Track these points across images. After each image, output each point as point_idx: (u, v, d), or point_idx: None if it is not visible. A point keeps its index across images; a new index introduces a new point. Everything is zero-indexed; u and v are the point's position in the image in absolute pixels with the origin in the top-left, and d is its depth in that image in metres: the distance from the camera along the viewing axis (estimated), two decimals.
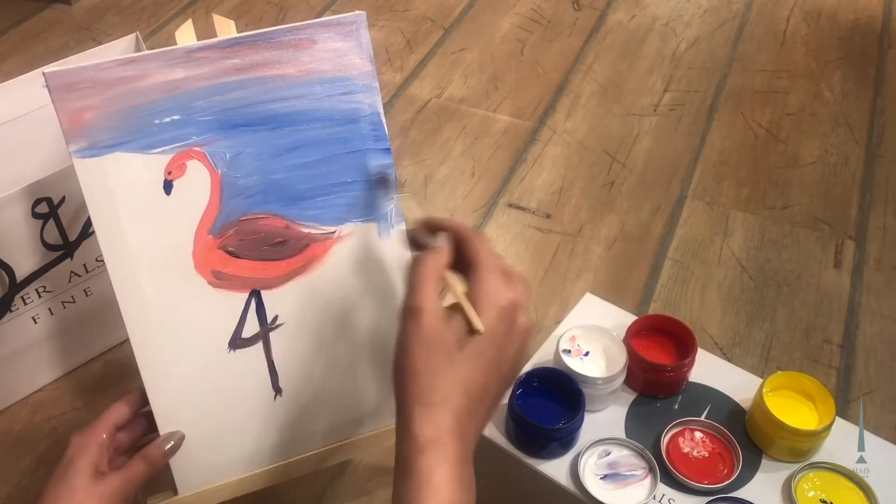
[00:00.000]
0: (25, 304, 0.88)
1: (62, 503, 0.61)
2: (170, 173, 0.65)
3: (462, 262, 0.57)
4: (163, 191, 0.65)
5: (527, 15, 1.60)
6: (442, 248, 0.57)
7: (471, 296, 0.54)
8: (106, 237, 0.64)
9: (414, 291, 0.54)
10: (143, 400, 0.69)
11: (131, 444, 0.69)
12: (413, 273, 0.55)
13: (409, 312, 0.53)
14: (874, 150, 1.29)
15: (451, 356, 0.52)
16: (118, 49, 0.97)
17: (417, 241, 0.62)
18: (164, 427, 0.67)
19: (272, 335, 0.70)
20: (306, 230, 0.69)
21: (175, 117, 0.64)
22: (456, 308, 0.54)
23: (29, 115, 0.96)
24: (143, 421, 0.69)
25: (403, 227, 0.72)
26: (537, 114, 1.36)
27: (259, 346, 0.70)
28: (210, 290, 0.67)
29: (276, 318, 0.70)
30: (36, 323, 0.90)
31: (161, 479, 0.70)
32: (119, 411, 0.68)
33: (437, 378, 0.52)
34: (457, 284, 0.56)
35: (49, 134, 0.90)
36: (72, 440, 0.65)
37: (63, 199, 0.84)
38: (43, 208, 0.83)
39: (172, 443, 0.67)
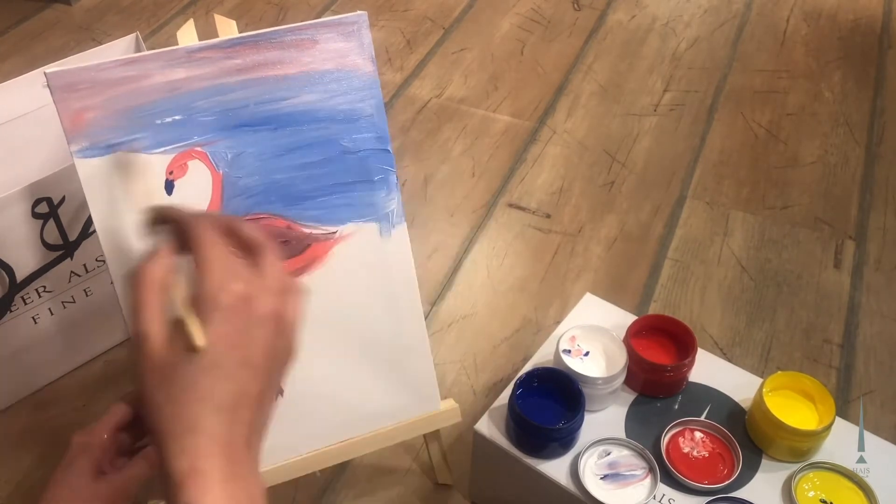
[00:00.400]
0: (25, 304, 0.88)
1: (64, 503, 0.61)
2: (171, 173, 0.65)
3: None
4: (164, 191, 0.65)
5: (527, 15, 1.60)
6: (160, 252, 0.50)
7: (192, 299, 0.48)
8: (107, 237, 0.64)
9: (134, 314, 0.48)
10: None
11: (133, 445, 0.69)
12: (132, 292, 0.48)
13: (134, 340, 0.48)
14: (874, 150, 1.29)
15: (186, 378, 0.46)
16: (118, 49, 0.97)
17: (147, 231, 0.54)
18: None
19: None
20: (308, 230, 0.69)
21: (176, 117, 0.64)
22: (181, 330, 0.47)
23: (29, 115, 0.96)
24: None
25: (405, 227, 0.72)
26: (537, 114, 1.36)
27: None
28: None
29: None
30: (36, 323, 0.90)
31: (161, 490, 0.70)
32: (120, 412, 0.68)
33: (178, 406, 0.47)
34: (178, 290, 0.49)
35: (49, 134, 0.90)
36: (72, 441, 0.65)
37: (63, 199, 0.84)
38: (43, 208, 0.83)
39: None
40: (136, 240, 0.64)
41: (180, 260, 0.50)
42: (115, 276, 0.64)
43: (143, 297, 0.48)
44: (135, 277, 0.49)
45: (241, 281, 0.48)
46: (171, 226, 0.51)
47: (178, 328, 0.47)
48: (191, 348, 0.46)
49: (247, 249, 0.51)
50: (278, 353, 0.51)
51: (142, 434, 0.68)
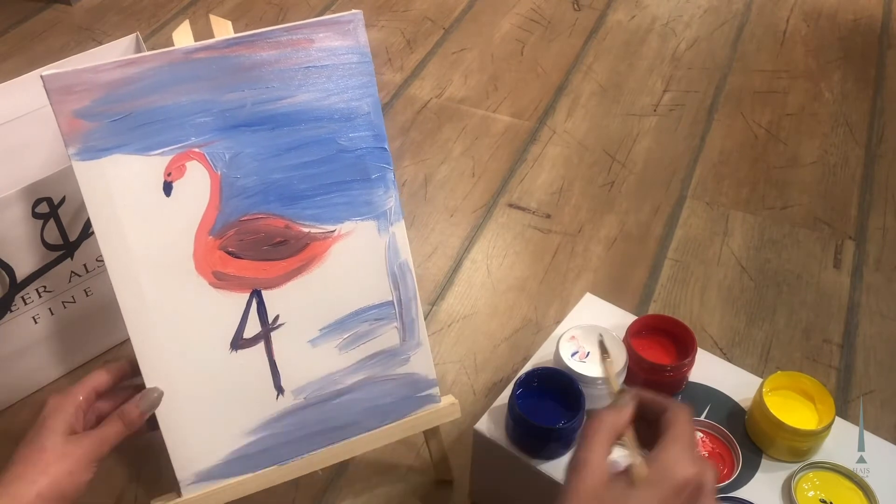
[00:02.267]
0: (26, 304, 0.88)
1: (31, 463, 0.61)
2: (169, 174, 0.65)
3: (657, 427, 0.56)
4: (162, 192, 0.65)
5: (527, 15, 1.60)
6: (623, 407, 0.56)
7: (649, 462, 0.52)
8: (106, 239, 0.64)
9: (582, 444, 0.54)
10: (130, 370, 0.68)
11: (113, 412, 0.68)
12: (587, 426, 0.55)
13: (574, 464, 0.53)
14: (874, 150, 1.29)
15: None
16: (118, 49, 0.97)
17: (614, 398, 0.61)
18: (165, 427, 0.67)
19: (273, 335, 0.70)
20: (306, 229, 0.69)
21: (173, 119, 0.64)
22: (626, 471, 0.53)
23: (29, 115, 0.96)
24: (130, 391, 0.68)
25: (403, 225, 0.72)
26: (537, 114, 1.36)
27: (261, 345, 0.70)
28: (211, 290, 0.67)
29: (277, 317, 0.70)
30: (36, 323, 0.90)
31: (164, 481, 0.70)
32: (100, 376, 0.67)
33: None
34: (633, 443, 0.55)
35: (49, 134, 0.90)
36: (48, 401, 0.64)
37: (63, 199, 0.84)
38: (43, 208, 0.83)
39: (150, 400, 0.66)
40: (135, 242, 0.64)
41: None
42: (115, 279, 0.64)
43: (596, 431, 0.54)
44: (595, 416, 0.55)
45: (698, 468, 0.52)
46: (642, 398, 0.57)
47: (622, 474, 0.52)
48: (631, 478, 0.51)
49: (696, 452, 0.55)
50: None
51: (121, 402, 0.67)
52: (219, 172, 0.66)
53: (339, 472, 0.87)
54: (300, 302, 0.70)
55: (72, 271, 0.90)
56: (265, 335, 0.70)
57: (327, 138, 0.69)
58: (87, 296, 0.93)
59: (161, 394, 0.66)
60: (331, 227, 0.70)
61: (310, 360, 0.71)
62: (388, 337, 0.73)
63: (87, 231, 0.88)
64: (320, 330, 0.71)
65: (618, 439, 0.55)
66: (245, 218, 0.68)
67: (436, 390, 0.76)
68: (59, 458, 0.61)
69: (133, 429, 0.66)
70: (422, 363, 0.75)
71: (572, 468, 0.53)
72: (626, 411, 0.56)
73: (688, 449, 0.53)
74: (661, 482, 0.51)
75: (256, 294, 0.69)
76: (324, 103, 0.68)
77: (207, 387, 0.68)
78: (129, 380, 0.69)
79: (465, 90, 1.40)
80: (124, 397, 0.67)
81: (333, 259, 0.71)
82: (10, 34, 1.55)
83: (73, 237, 0.87)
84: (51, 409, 0.64)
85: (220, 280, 0.68)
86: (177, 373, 0.67)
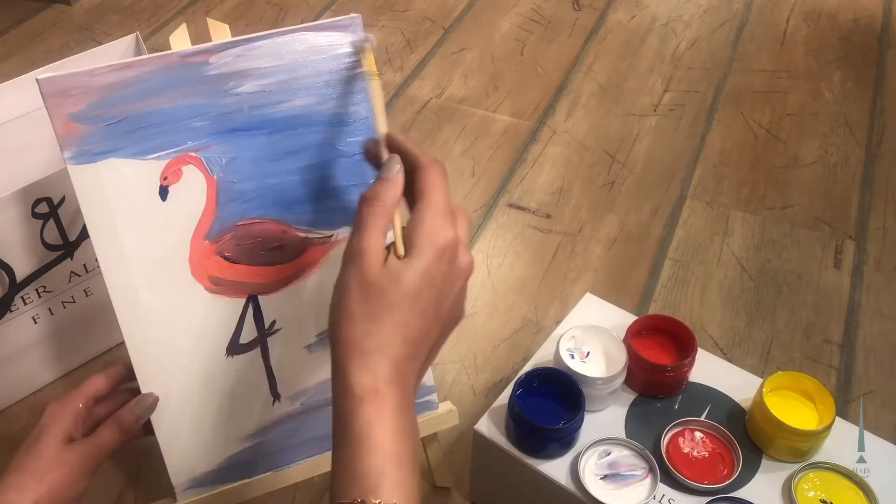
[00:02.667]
0: (25, 304, 0.88)
1: (28, 471, 0.61)
2: (165, 179, 0.64)
3: (412, 190, 0.54)
4: (158, 197, 0.64)
5: (527, 15, 1.60)
6: (393, 180, 0.54)
7: (408, 232, 0.52)
8: (102, 244, 0.63)
9: (358, 233, 0.51)
10: (127, 374, 0.68)
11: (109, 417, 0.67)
12: (360, 212, 0.52)
13: (351, 255, 0.51)
14: (874, 150, 1.29)
15: (389, 301, 0.50)
16: (118, 49, 0.97)
17: (373, 156, 0.59)
18: (161, 433, 0.67)
19: (270, 340, 0.70)
20: (303, 234, 0.69)
21: (170, 122, 0.64)
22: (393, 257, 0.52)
23: (29, 115, 0.96)
24: (126, 395, 0.68)
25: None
26: (537, 114, 1.36)
27: (257, 351, 0.69)
28: (207, 296, 0.67)
29: (273, 323, 0.69)
30: (36, 323, 0.90)
31: (160, 487, 0.70)
32: (98, 382, 0.67)
33: (374, 324, 0.49)
34: (397, 219, 0.54)
35: (49, 134, 0.89)
36: (46, 409, 0.64)
37: (63, 199, 0.84)
38: (43, 208, 0.83)
39: (146, 405, 0.66)
40: (131, 246, 0.64)
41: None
42: (110, 283, 0.64)
43: (370, 217, 0.52)
44: (365, 200, 0.52)
45: (453, 229, 0.52)
46: (403, 157, 0.55)
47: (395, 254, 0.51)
48: (395, 254, 0.51)
49: (449, 213, 0.54)
50: (457, 308, 0.54)
51: (118, 408, 0.67)
52: (215, 177, 0.66)
53: None
54: (297, 307, 0.70)
55: (71, 271, 0.90)
56: (261, 341, 0.69)
57: (325, 143, 0.68)
58: (87, 296, 0.93)
59: (156, 399, 0.66)
60: (328, 233, 0.70)
61: (306, 366, 0.71)
62: None
63: (86, 231, 0.88)
64: (317, 335, 0.71)
65: (391, 214, 0.53)
66: (242, 223, 0.67)
67: (434, 397, 0.76)
68: (56, 465, 0.61)
69: (129, 434, 0.65)
70: None
71: (348, 259, 0.51)
72: (397, 186, 0.54)
73: (441, 213, 0.52)
74: (423, 253, 0.51)
75: (253, 299, 0.68)
76: (322, 107, 0.68)
77: (203, 392, 0.68)
78: (126, 383, 0.69)
79: (465, 90, 1.40)
80: (121, 401, 0.67)
81: (331, 264, 0.70)
82: (9, 34, 1.55)
83: (72, 237, 0.87)
84: (49, 417, 0.64)
85: (217, 285, 0.67)
86: (172, 378, 0.67)
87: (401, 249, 0.52)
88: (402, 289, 0.50)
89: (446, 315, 0.53)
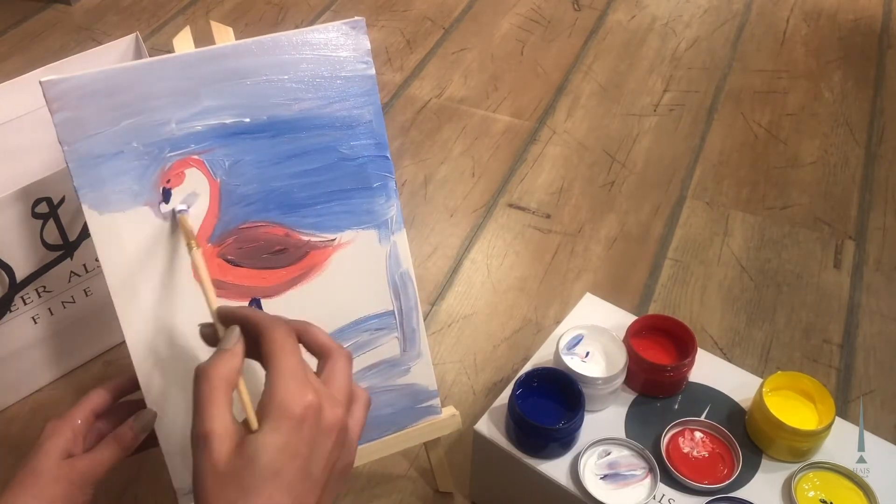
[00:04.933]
0: (25, 304, 0.88)
1: (26, 487, 0.60)
2: (168, 181, 0.64)
3: (261, 359, 0.51)
4: (161, 199, 0.64)
5: (527, 15, 1.60)
6: (232, 351, 0.50)
7: (261, 403, 0.48)
8: (103, 246, 0.63)
9: (200, 414, 0.47)
10: (127, 387, 0.68)
11: (110, 432, 0.67)
12: (198, 389, 0.48)
13: (195, 440, 0.47)
14: (874, 150, 1.29)
15: (247, 486, 0.45)
16: (118, 49, 0.97)
17: (210, 337, 0.56)
18: (162, 437, 0.67)
19: None
20: (306, 238, 0.69)
21: (173, 125, 0.64)
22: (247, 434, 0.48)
23: (29, 115, 0.95)
24: (126, 408, 0.67)
25: (404, 235, 0.71)
26: (537, 114, 1.36)
27: None
28: None
29: None
30: (36, 323, 0.90)
31: (164, 482, 0.70)
32: (97, 397, 0.66)
33: None
34: (244, 391, 0.50)
35: (49, 134, 0.89)
36: (46, 425, 0.64)
37: (63, 199, 0.84)
38: (43, 208, 0.83)
39: (144, 422, 0.65)
40: (132, 249, 0.64)
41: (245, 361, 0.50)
42: (112, 286, 0.63)
43: (210, 393, 0.48)
44: (202, 375, 0.48)
45: (312, 391, 0.48)
46: (243, 327, 0.52)
47: (248, 431, 0.47)
48: (249, 429, 0.47)
49: (317, 354, 0.52)
50: (338, 464, 0.51)
51: (119, 421, 0.67)
52: (218, 180, 0.66)
53: None
54: (300, 311, 0.69)
55: (71, 271, 0.90)
56: None
57: (328, 146, 0.68)
58: (87, 296, 0.93)
59: (155, 415, 0.66)
60: (331, 236, 0.70)
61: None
62: (389, 347, 0.73)
63: (86, 231, 0.88)
64: None
65: (234, 388, 0.50)
66: (244, 226, 0.67)
67: (436, 401, 0.76)
68: (53, 481, 0.61)
69: (129, 451, 0.65)
70: (422, 374, 0.74)
71: (197, 445, 0.47)
72: (237, 357, 0.51)
73: (292, 376, 0.48)
74: (279, 426, 0.47)
75: (256, 303, 0.68)
76: (325, 111, 0.68)
77: None
78: (128, 394, 0.68)
79: (465, 90, 1.40)
80: (124, 414, 0.67)
81: (334, 268, 0.70)
82: (9, 34, 1.55)
83: (72, 237, 0.87)
84: (48, 434, 0.64)
85: (219, 288, 0.67)
86: (174, 381, 0.66)
87: (254, 423, 0.48)
88: (259, 471, 0.46)
89: (321, 479, 0.49)
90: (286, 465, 0.46)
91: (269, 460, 0.46)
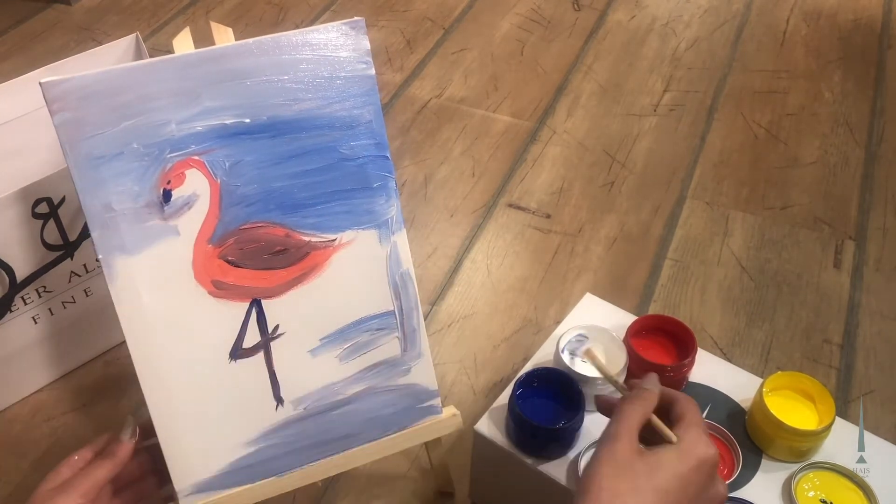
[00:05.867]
0: (25, 304, 0.88)
1: None
2: (168, 182, 0.64)
3: (669, 417, 0.59)
4: (162, 200, 0.64)
5: (527, 15, 1.60)
6: (652, 393, 0.59)
7: (677, 433, 0.56)
8: (103, 247, 0.63)
9: (616, 422, 0.56)
10: (127, 456, 0.67)
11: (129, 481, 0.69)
12: (619, 409, 0.57)
13: (606, 438, 0.55)
14: (874, 150, 1.29)
15: (639, 486, 0.52)
16: (118, 49, 0.97)
17: (608, 405, 0.63)
18: (163, 438, 0.67)
19: (273, 345, 0.69)
20: (307, 238, 0.69)
21: (173, 126, 0.64)
22: (653, 449, 0.55)
23: (29, 115, 0.96)
24: (144, 456, 0.69)
25: (405, 235, 0.72)
26: (537, 114, 1.36)
27: (260, 355, 0.69)
28: (210, 299, 0.67)
29: (276, 327, 0.69)
30: (36, 323, 0.90)
31: (162, 491, 0.70)
32: (101, 471, 0.65)
33: (618, 499, 0.52)
34: (660, 424, 0.58)
35: (49, 134, 0.90)
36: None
37: (63, 199, 0.84)
38: (43, 208, 0.83)
39: (129, 430, 0.67)
40: (133, 249, 0.64)
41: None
42: (113, 286, 0.63)
43: (628, 413, 0.57)
44: (627, 400, 0.58)
45: (715, 449, 0.56)
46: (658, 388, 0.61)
47: (651, 451, 0.55)
48: (664, 441, 0.56)
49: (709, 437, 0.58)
50: None
51: (136, 470, 0.68)
52: (218, 180, 0.66)
53: (336, 479, 0.87)
54: (300, 311, 0.70)
55: (71, 271, 0.90)
56: (265, 345, 0.69)
57: (328, 146, 0.68)
58: (87, 296, 0.93)
59: (138, 420, 0.67)
60: (331, 236, 0.70)
61: (310, 371, 0.71)
62: (389, 347, 0.73)
63: (86, 231, 0.88)
64: (320, 340, 0.71)
65: (647, 421, 0.57)
66: (245, 226, 0.67)
67: (437, 401, 0.76)
68: None
69: (124, 463, 0.66)
70: (423, 374, 0.74)
71: (603, 441, 0.55)
72: (656, 394, 0.59)
73: (705, 432, 0.56)
74: (685, 458, 0.54)
75: (256, 303, 0.68)
76: (325, 111, 0.68)
77: (206, 397, 0.67)
78: (144, 440, 0.68)
79: (465, 90, 1.40)
80: (137, 465, 0.69)
81: (334, 268, 0.70)
82: (9, 34, 1.55)
83: (72, 237, 0.87)
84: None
85: (220, 289, 0.67)
86: (175, 382, 0.66)
87: (672, 437, 0.56)
88: (654, 481, 0.53)
89: None
90: (676, 490, 0.53)
91: (666, 478, 0.53)
